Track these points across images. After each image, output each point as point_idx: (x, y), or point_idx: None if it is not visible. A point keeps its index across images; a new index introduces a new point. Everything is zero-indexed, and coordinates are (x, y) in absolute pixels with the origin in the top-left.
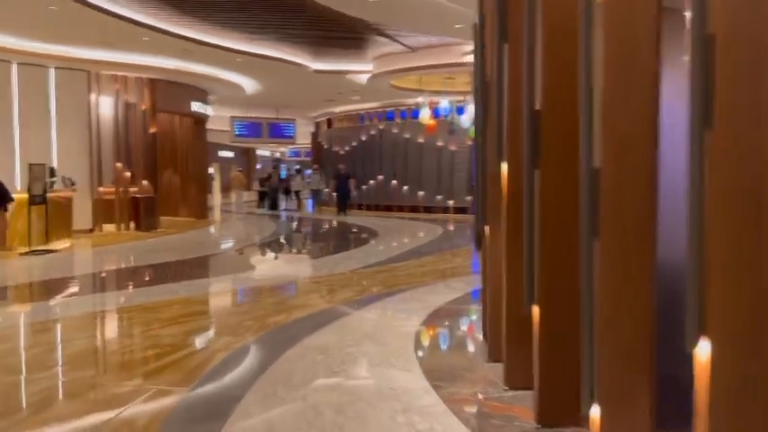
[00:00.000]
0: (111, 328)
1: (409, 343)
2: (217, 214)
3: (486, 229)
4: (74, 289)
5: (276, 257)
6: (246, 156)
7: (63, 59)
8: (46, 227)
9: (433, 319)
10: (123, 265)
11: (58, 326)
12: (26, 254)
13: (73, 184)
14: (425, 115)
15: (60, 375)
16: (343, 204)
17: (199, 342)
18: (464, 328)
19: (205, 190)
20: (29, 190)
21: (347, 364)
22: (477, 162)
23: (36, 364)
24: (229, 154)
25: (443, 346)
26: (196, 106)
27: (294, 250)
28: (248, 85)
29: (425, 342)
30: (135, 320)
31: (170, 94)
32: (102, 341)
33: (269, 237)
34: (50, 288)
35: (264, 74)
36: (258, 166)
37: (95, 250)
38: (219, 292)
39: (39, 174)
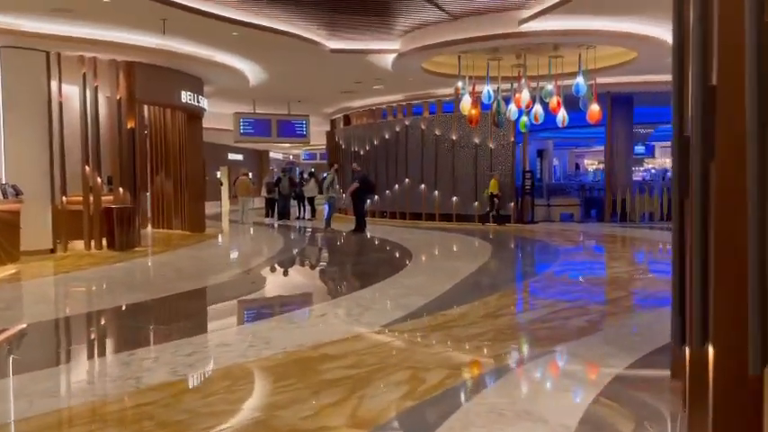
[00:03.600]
0: None
1: None
2: (224, 224)
3: None
4: None
5: (272, 306)
6: (259, 159)
7: (11, 34)
8: None
9: None
10: (48, 317)
11: None
12: None
13: (18, 193)
14: (467, 103)
15: None
16: (358, 218)
17: None
18: None
19: (201, 198)
20: None
21: None
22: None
23: None
24: (239, 157)
25: None
26: (187, 97)
27: (300, 285)
28: (251, 71)
29: None
30: None
31: (153, 81)
32: None
33: (273, 258)
34: None
35: (269, 55)
36: (273, 169)
37: (30, 284)
38: (162, 392)
39: None
